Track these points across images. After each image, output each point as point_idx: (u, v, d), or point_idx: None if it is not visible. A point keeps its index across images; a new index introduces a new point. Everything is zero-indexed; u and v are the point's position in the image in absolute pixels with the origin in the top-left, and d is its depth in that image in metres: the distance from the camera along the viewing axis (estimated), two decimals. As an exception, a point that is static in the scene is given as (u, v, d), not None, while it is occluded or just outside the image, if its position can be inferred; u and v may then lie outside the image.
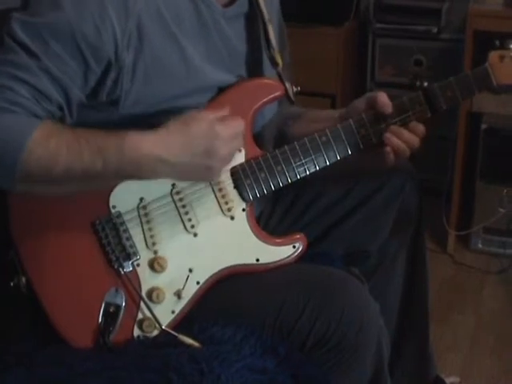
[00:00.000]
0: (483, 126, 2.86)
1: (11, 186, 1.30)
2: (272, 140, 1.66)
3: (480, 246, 3.01)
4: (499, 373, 2.37)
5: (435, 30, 3.13)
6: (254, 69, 1.57)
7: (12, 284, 1.42)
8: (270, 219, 1.73)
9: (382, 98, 1.54)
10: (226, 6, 1.50)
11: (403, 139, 1.53)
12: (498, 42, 1.54)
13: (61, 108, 1.35)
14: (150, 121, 1.40)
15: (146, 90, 1.39)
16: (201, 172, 1.38)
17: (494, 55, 1.55)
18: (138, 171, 1.33)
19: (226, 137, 1.38)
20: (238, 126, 1.42)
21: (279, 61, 1.57)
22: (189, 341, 1.41)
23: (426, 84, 1.54)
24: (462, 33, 2.90)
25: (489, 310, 2.69)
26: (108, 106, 1.40)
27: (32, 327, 1.46)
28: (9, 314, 1.47)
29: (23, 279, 1.41)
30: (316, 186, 1.72)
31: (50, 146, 1.28)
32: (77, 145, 1.29)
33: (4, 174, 1.28)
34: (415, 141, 1.54)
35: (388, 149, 1.53)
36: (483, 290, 2.80)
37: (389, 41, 3.25)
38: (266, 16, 1.55)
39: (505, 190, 2.86)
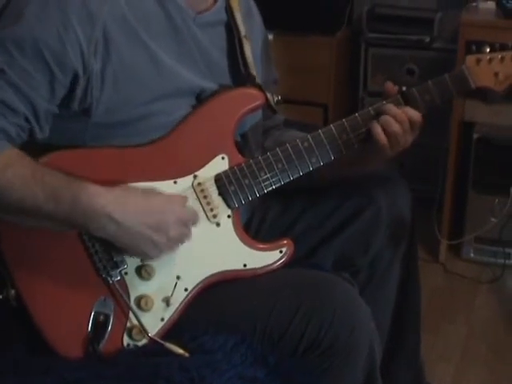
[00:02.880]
0: (475, 136, 2.87)
1: None
2: (260, 148, 1.67)
3: (472, 255, 3.01)
4: (491, 382, 2.37)
5: (428, 39, 3.14)
6: (235, 79, 1.58)
7: (1, 297, 1.41)
8: (259, 230, 1.73)
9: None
10: (200, 12, 1.51)
11: (390, 113, 1.52)
12: (474, 47, 1.58)
13: (27, 120, 1.36)
14: (125, 129, 1.42)
15: (117, 96, 1.39)
16: (146, 244, 1.38)
17: (470, 59, 1.58)
18: (86, 224, 1.35)
19: (181, 220, 1.41)
20: (195, 215, 1.45)
21: (254, 74, 1.57)
22: (177, 350, 1.40)
23: (404, 88, 1.56)
24: (454, 42, 2.90)
25: (480, 319, 2.69)
26: (80, 116, 1.40)
27: (25, 334, 1.44)
28: (1, 322, 1.46)
29: (12, 292, 1.40)
30: (305, 197, 1.72)
31: (5, 175, 1.30)
32: (33, 180, 1.32)
33: None
34: (402, 116, 1.52)
35: (376, 129, 1.52)
36: (475, 300, 2.80)
37: (381, 50, 3.25)
38: (243, 32, 1.56)
39: (496, 200, 2.87)
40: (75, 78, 1.36)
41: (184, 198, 1.44)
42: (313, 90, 3.24)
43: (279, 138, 1.74)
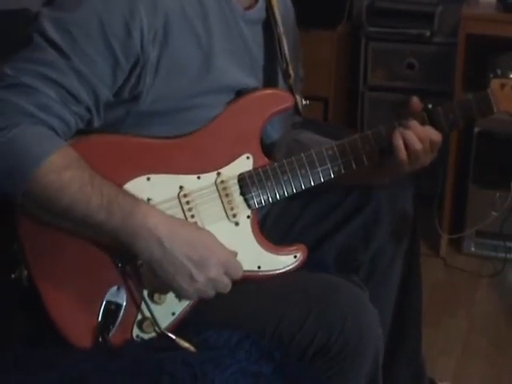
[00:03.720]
0: (476, 130, 2.87)
1: (15, 197, 1.29)
2: (284, 150, 1.66)
3: (473, 249, 3.02)
4: (492, 377, 2.38)
5: (428, 33, 3.13)
6: (269, 77, 1.59)
7: (13, 276, 1.39)
8: (264, 224, 1.72)
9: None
10: (246, 9, 1.52)
11: (415, 131, 1.51)
12: (499, 71, 1.59)
13: (88, 110, 1.35)
14: (162, 119, 1.41)
15: (167, 86, 1.39)
16: (183, 277, 1.36)
17: (495, 83, 1.58)
18: (133, 240, 1.32)
19: (224, 265, 1.39)
20: (239, 268, 1.42)
21: (291, 73, 1.59)
22: (186, 345, 1.40)
23: (430, 106, 1.56)
24: (454, 36, 2.90)
25: (481, 313, 2.70)
26: (127, 102, 1.39)
27: (27, 329, 1.44)
28: (4, 317, 1.45)
29: (25, 272, 1.39)
30: (308, 192, 1.71)
31: (63, 176, 1.28)
32: (89, 188, 1.30)
33: (11, 184, 1.28)
34: (425, 135, 1.51)
35: (398, 143, 1.51)
36: (476, 294, 2.81)
37: (381, 44, 3.25)
38: (281, 28, 1.57)
39: (497, 194, 2.87)
40: (134, 65, 1.35)
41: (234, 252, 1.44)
42: (313, 84, 3.20)
43: (295, 136, 1.74)
